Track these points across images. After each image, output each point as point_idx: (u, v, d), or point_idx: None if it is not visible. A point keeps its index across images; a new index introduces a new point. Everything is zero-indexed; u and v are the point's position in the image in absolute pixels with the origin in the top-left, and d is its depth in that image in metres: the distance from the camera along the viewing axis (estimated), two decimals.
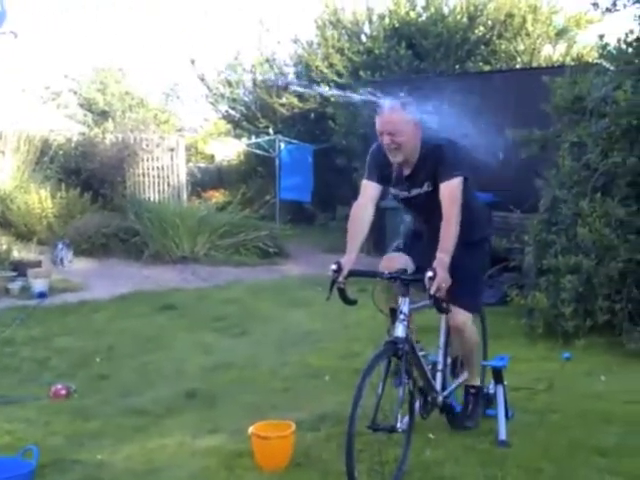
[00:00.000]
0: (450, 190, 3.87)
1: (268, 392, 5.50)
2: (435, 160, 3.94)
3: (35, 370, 6.26)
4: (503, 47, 15.02)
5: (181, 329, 7.64)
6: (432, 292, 3.57)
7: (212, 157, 20.92)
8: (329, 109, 14.70)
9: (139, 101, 23.74)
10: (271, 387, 5.66)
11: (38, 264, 9.99)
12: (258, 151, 16.23)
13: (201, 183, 17.72)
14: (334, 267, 3.77)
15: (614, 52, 7.36)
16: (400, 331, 3.76)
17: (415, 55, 14.64)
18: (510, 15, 15.10)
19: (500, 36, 15.15)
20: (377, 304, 3.94)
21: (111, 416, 5.05)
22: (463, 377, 4.53)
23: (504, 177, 9.13)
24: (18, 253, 10.55)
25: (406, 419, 3.85)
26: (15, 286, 9.23)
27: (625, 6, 7.38)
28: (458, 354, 4.53)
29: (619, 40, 7.30)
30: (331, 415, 4.71)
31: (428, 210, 4.01)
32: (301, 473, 4.00)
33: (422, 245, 4.13)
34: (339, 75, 15.10)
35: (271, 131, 16.08)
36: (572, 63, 11.03)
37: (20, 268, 9.66)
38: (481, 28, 15.15)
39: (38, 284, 9.16)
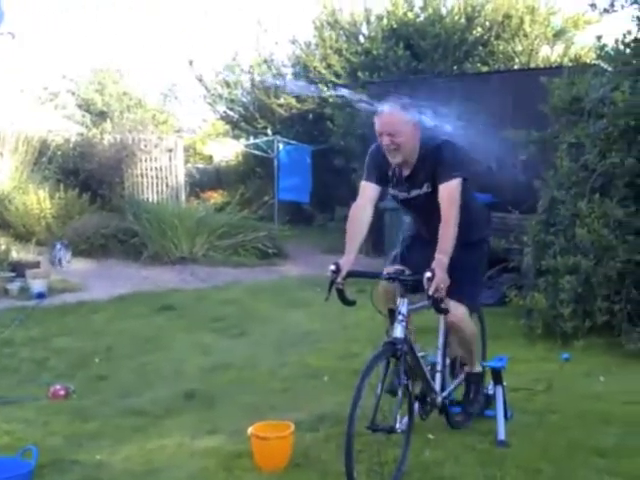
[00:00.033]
0: (449, 191, 3.87)
1: (267, 393, 5.50)
2: (434, 161, 3.94)
3: (34, 371, 6.26)
4: (501, 48, 15.02)
5: (180, 330, 7.64)
6: (430, 293, 3.58)
7: (210, 158, 20.93)
8: (327, 110, 14.70)
9: (137, 102, 23.75)
10: (270, 388, 5.66)
11: (37, 265, 9.99)
12: (256, 152, 16.23)
13: (199, 184, 17.72)
14: (333, 268, 3.77)
15: (612, 53, 7.36)
16: (399, 332, 3.76)
17: (413, 56, 14.64)
18: (508, 16, 15.11)
19: (498, 37, 15.16)
20: (376, 305, 3.95)
21: (110, 416, 5.05)
22: (462, 378, 4.54)
23: (502, 178, 9.13)
24: (17, 254, 10.53)
25: (405, 419, 3.85)
26: (14, 287, 9.23)
27: (623, 7, 7.39)
28: (457, 355, 4.54)
29: (617, 41, 7.31)
30: (330, 416, 4.72)
31: (427, 211, 4.01)
32: (300, 473, 4.00)
33: (420, 254, 4.09)
34: (337, 76, 15.10)
35: (269, 132, 16.08)
36: (570, 64, 11.05)
37: (19, 269, 9.66)
38: (479, 29, 15.17)
39: (37, 285, 9.15)
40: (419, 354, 4.06)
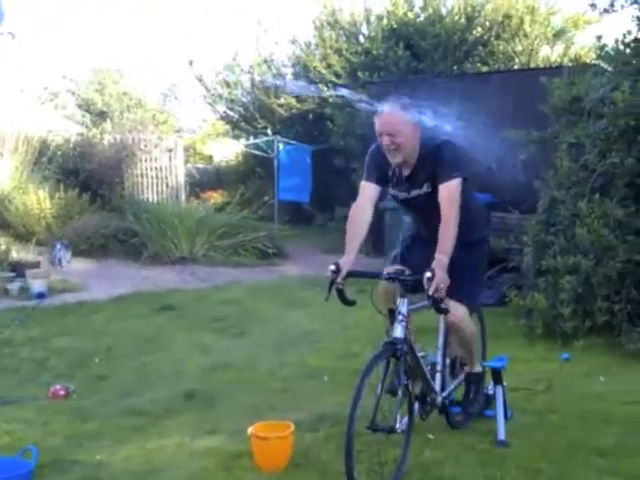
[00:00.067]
0: (449, 191, 3.87)
1: (267, 393, 5.50)
2: (434, 161, 3.94)
3: (34, 370, 6.25)
4: (501, 48, 15.02)
5: (180, 330, 7.64)
6: (430, 293, 3.58)
7: (210, 158, 20.93)
8: (327, 110, 14.70)
9: (137, 102, 23.76)
10: (270, 388, 5.66)
11: (37, 265, 9.99)
12: (256, 152, 16.23)
13: (199, 184, 17.72)
14: (333, 268, 3.78)
15: (612, 53, 7.37)
16: (399, 332, 3.76)
17: (413, 56, 14.64)
18: (508, 16, 15.11)
19: (498, 37, 15.16)
20: (376, 305, 3.95)
21: (110, 416, 5.05)
22: (462, 378, 4.54)
23: (502, 178, 9.13)
24: (17, 254, 10.54)
25: (405, 419, 3.85)
26: (14, 287, 9.23)
27: (623, 7, 7.40)
28: (457, 355, 4.54)
29: (617, 41, 7.31)
30: (330, 415, 4.72)
31: (428, 211, 4.01)
32: (300, 473, 4.00)
33: (420, 254, 4.09)
34: (337, 76, 15.10)
35: (269, 132, 16.08)
36: (570, 64, 11.05)
37: (19, 269, 9.66)
38: (479, 29, 15.17)
39: (37, 285, 9.15)
40: (419, 354, 4.06)
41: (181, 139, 16.41)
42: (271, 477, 3.97)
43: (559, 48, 15.56)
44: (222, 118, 18.59)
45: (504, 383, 4.54)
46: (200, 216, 12.03)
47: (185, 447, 4.45)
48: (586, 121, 7.17)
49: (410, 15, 15.04)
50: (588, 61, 9.99)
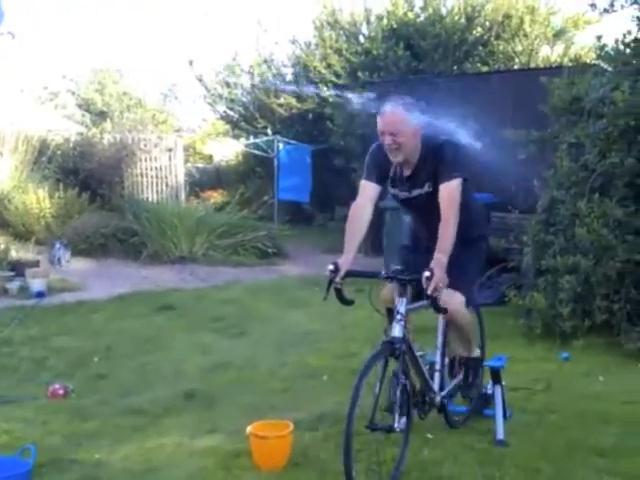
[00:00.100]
0: (449, 191, 3.87)
1: (266, 392, 5.50)
2: (436, 160, 3.94)
3: (33, 370, 6.25)
4: (501, 48, 15.03)
5: (179, 329, 7.64)
6: (429, 292, 3.57)
7: (210, 157, 20.93)
8: (327, 110, 14.71)
9: (137, 101, 23.77)
10: (269, 387, 5.65)
11: (36, 264, 9.99)
12: (256, 151, 16.24)
13: (199, 183, 17.73)
14: (331, 267, 3.77)
15: (612, 53, 7.36)
16: (397, 331, 3.76)
17: (413, 56, 14.65)
18: (508, 16, 15.12)
19: (498, 37, 15.17)
20: (374, 304, 3.94)
21: (109, 416, 5.05)
22: (460, 378, 4.54)
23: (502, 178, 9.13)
24: (16, 253, 10.54)
25: (404, 419, 3.85)
26: (13, 286, 9.23)
27: (623, 7, 7.39)
28: (456, 354, 4.53)
29: (617, 41, 7.31)
30: (329, 415, 4.71)
31: (428, 211, 4.00)
32: (299, 473, 4.00)
33: (420, 254, 4.11)
34: (337, 76, 15.11)
35: (269, 131, 16.09)
36: (570, 64, 11.05)
37: (18, 268, 9.66)
38: (479, 29, 15.18)
39: (36, 284, 9.15)
40: (417, 353, 4.06)
41: (181, 139, 16.42)
42: (270, 476, 3.97)
43: (559, 48, 15.57)
44: (222, 118, 18.60)
45: (503, 383, 4.54)
46: (200, 215, 12.04)
47: (184, 446, 4.45)
48: (586, 121, 7.17)
49: (410, 15, 15.05)
50: (588, 61, 9.99)
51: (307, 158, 15.22)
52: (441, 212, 3.85)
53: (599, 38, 7.50)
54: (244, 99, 17.24)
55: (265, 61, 16.91)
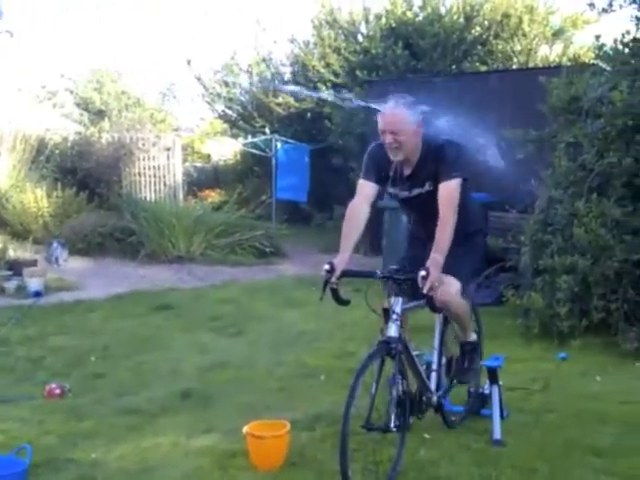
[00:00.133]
0: (449, 191, 3.87)
1: (263, 392, 5.49)
2: (436, 160, 3.94)
3: (30, 369, 6.23)
4: (500, 47, 15.03)
5: (177, 329, 7.62)
6: (425, 291, 3.57)
7: (208, 157, 20.93)
8: (326, 109, 14.70)
9: (135, 100, 23.74)
10: (267, 387, 5.65)
11: (34, 263, 9.98)
12: (254, 151, 16.24)
13: (197, 183, 17.72)
14: (327, 267, 3.76)
15: (610, 53, 7.36)
16: (393, 331, 3.76)
17: (412, 55, 14.65)
18: (506, 15, 15.11)
19: (497, 36, 15.16)
20: (370, 304, 3.93)
21: (105, 415, 5.03)
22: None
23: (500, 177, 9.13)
24: (14, 252, 10.53)
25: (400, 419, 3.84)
26: (10, 285, 9.22)
27: (621, 7, 7.39)
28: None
29: (615, 41, 7.30)
30: (326, 415, 4.71)
31: (428, 210, 3.97)
32: (296, 473, 4.00)
33: (418, 253, 4.09)
34: (336, 75, 15.10)
35: (267, 131, 16.09)
36: (568, 63, 11.06)
37: (16, 267, 9.65)
38: (478, 28, 15.17)
39: (33, 283, 9.13)
40: (414, 353, 4.05)
41: (179, 138, 16.42)
42: (266, 476, 3.96)
43: (558, 48, 15.57)
44: (220, 117, 18.60)
45: (500, 382, 4.55)
46: (198, 215, 12.02)
47: (180, 446, 4.44)
48: (584, 121, 7.16)
49: (409, 14, 15.04)
50: (587, 61, 9.99)
51: (305, 157, 15.22)
52: (439, 212, 3.84)
53: (598, 38, 7.50)
54: (242, 98, 17.23)
55: (264, 60, 16.90)
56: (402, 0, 15.22)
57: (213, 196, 16.24)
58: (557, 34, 15.61)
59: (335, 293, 3.82)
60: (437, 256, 3.67)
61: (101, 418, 4.98)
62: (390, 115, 3.91)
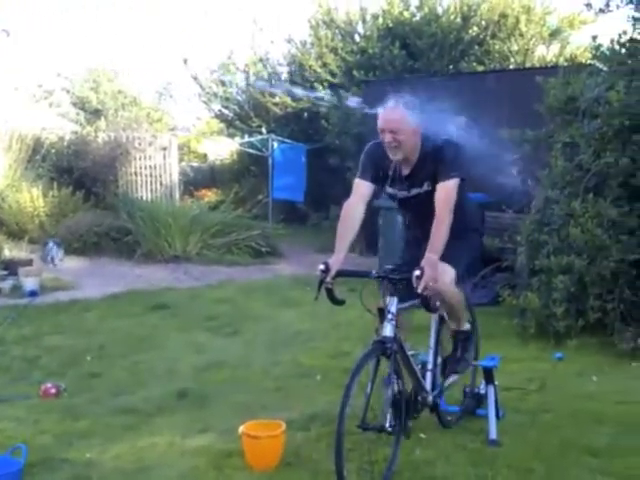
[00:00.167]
0: (446, 191, 3.87)
1: (259, 392, 5.49)
2: (435, 160, 3.94)
3: (25, 369, 6.22)
4: (497, 47, 15.04)
5: (173, 328, 7.61)
6: (420, 291, 3.56)
7: (205, 156, 20.92)
8: (322, 109, 14.69)
9: (132, 100, 23.76)
10: (263, 387, 5.64)
11: (29, 263, 9.95)
12: (251, 150, 16.23)
13: (194, 182, 17.72)
14: (322, 267, 3.76)
15: (607, 53, 7.36)
16: (388, 330, 3.75)
17: (409, 55, 14.66)
18: (504, 15, 15.12)
19: (494, 36, 15.17)
20: (365, 304, 3.92)
21: (101, 415, 5.03)
22: (453, 377, 4.53)
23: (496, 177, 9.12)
24: (9, 252, 10.51)
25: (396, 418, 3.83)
26: (6, 285, 9.21)
27: (618, 7, 7.39)
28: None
29: (612, 41, 7.31)
30: (321, 415, 4.70)
31: (426, 210, 3.95)
32: (291, 472, 3.99)
33: (414, 253, 4.08)
34: (333, 75, 15.10)
35: (264, 130, 16.08)
36: (565, 64, 11.04)
37: (11, 267, 9.63)
38: (475, 28, 15.18)
39: (29, 283, 9.12)
40: (409, 353, 4.04)
41: (175, 137, 16.41)
42: (262, 476, 3.95)
43: (555, 48, 15.58)
44: (217, 116, 18.59)
45: (496, 382, 4.54)
46: (194, 214, 12.01)
47: (176, 446, 4.43)
48: (581, 121, 7.17)
49: (406, 14, 15.05)
50: (584, 61, 9.98)
51: (302, 157, 15.22)
52: (436, 211, 3.84)
53: (594, 38, 7.51)
54: (239, 98, 17.23)
55: (260, 60, 16.90)
56: (399, 0, 15.22)
57: (209, 196, 16.24)
58: (554, 34, 15.63)
59: (330, 293, 3.81)
60: (432, 256, 3.67)
61: (97, 418, 4.97)
62: (390, 114, 3.91)
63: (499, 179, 8.53)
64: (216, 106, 17.77)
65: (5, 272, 9.54)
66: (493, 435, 4.32)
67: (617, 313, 6.48)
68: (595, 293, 6.53)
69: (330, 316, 7.25)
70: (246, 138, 16.85)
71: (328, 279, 3.75)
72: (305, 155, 15.22)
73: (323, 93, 14.40)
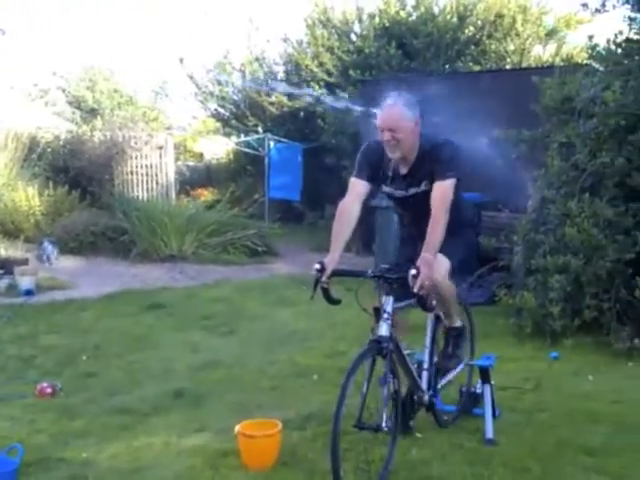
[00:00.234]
0: (442, 191, 3.87)
1: (255, 391, 5.48)
2: (432, 159, 3.94)
3: (21, 368, 6.20)
4: (493, 47, 15.06)
5: (169, 328, 7.60)
6: (415, 290, 3.56)
7: (201, 155, 20.91)
8: (319, 108, 14.69)
9: (128, 99, 23.71)
10: (258, 386, 5.63)
11: (25, 262, 9.93)
12: (247, 150, 16.22)
13: (190, 181, 17.70)
14: (317, 267, 3.75)
15: (603, 53, 7.38)
16: (384, 330, 3.74)
17: (405, 54, 14.66)
18: (500, 15, 15.14)
19: (490, 36, 15.20)
20: (361, 303, 3.92)
21: (97, 414, 5.02)
22: (450, 377, 4.53)
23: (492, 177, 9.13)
24: (5, 251, 10.48)
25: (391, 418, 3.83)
26: (2, 284, 9.19)
27: (614, 7, 7.40)
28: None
29: (608, 41, 7.32)
30: (317, 414, 4.70)
31: (422, 210, 3.95)
32: (287, 472, 3.98)
33: (411, 253, 4.08)
34: (329, 74, 15.10)
35: (260, 130, 16.07)
36: (562, 64, 11.08)
37: (7, 266, 9.60)
38: (471, 28, 15.21)
39: (25, 282, 9.10)
40: (405, 352, 4.04)
41: (171, 136, 16.37)
42: (258, 476, 3.95)
43: (551, 48, 15.61)
44: (213, 115, 18.59)
45: (492, 382, 4.54)
46: (190, 214, 12.00)
47: (172, 445, 4.43)
48: (577, 121, 7.18)
49: (402, 14, 15.06)
50: (580, 61, 10.00)
51: (298, 156, 15.21)
52: (432, 210, 3.84)
53: (591, 38, 7.51)
54: (235, 97, 17.22)
55: (257, 59, 16.90)
56: (395, 0, 15.23)
57: (205, 195, 16.22)
58: (550, 34, 15.66)
59: (326, 292, 3.80)
60: (428, 255, 3.66)
61: (93, 417, 4.96)
62: (389, 112, 3.91)
63: (496, 178, 8.57)
64: (212, 105, 17.78)
65: (1, 271, 9.51)
66: (489, 434, 4.32)
67: (613, 313, 6.49)
68: (591, 293, 6.54)
69: (326, 315, 7.25)
70: (242, 137, 16.84)
71: (324, 278, 3.74)
72: (301, 154, 15.22)
73: (319, 92, 14.40)
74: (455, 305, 4.38)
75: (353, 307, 3.84)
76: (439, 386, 4.45)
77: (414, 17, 15.24)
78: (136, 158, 14.62)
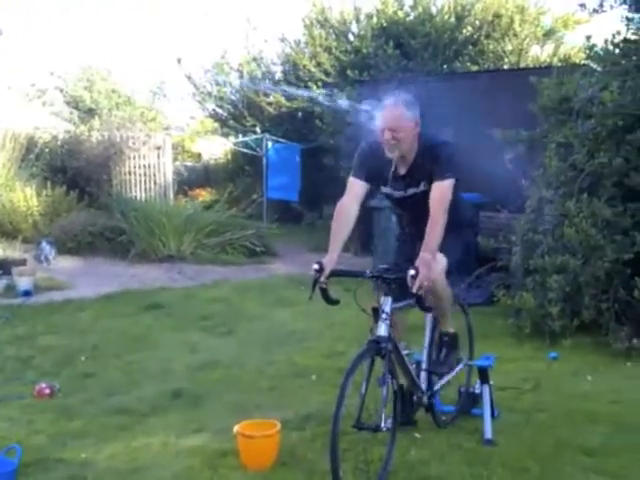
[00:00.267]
0: (441, 191, 3.88)
1: (254, 391, 5.48)
2: (431, 159, 3.94)
3: (19, 369, 6.19)
4: (491, 47, 15.07)
5: (167, 328, 7.60)
6: (414, 290, 3.56)
7: (199, 155, 20.91)
8: (317, 108, 14.69)
9: (126, 99, 23.72)
10: (257, 386, 5.63)
11: (23, 262, 9.91)
12: (245, 150, 16.22)
13: (188, 182, 17.70)
14: (316, 267, 3.75)
15: (601, 53, 7.38)
16: (383, 330, 3.74)
17: (403, 54, 14.66)
18: (498, 15, 15.15)
19: (488, 36, 15.20)
20: (359, 304, 3.92)
21: (95, 415, 5.01)
22: (448, 377, 4.53)
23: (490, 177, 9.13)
24: (3, 251, 10.48)
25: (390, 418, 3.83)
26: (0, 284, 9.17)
27: (612, 7, 7.41)
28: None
29: (606, 41, 7.32)
30: (316, 414, 4.70)
31: (421, 211, 3.95)
32: (286, 472, 3.98)
33: (409, 253, 4.08)
34: (327, 74, 15.10)
35: (258, 130, 16.07)
36: (559, 64, 11.06)
37: (5, 266, 9.57)
38: (469, 28, 15.21)
39: (23, 282, 9.08)
40: (404, 352, 4.04)
41: (169, 136, 16.38)
42: (257, 476, 3.95)
43: (549, 48, 15.62)
44: (211, 116, 18.58)
45: (491, 382, 4.55)
46: (188, 214, 11.99)
47: (170, 446, 4.42)
48: (575, 121, 7.18)
49: (400, 14, 15.06)
50: (577, 61, 10.00)
51: (296, 157, 15.21)
52: (430, 211, 3.84)
53: (588, 38, 7.52)
54: (233, 97, 17.21)
55: (254, 59, 16.89)
56: (393, 0, 15.23)
57: (204, 195, 16.23)
58: (548, 34, 15.67)
59: (324, 293, 3.81)
60: (426, 255, 3.67)
61: (91, 418, 4.96)
62: (390, 111, 3.92)
63: (493, 179, 8.57)
64: (210, 105, 17.76)
65: None
66: (488, 434, 4.32)
67: (612, 313, 6.50)
68: (590, 293, 6.55)
69: (325, 316, 7.24)
70: (240, 137, 16.84)
71: (322, 279, 3.75)
72: (299, 155, 15.21)
73: (318, 92, 14.39)
74: (450, 307, 4.38)
75: (352, 307, 3.84)
76: (436, 387, 4.45)
77: (412, 17, 15.24)
78: (134, 158, 14.62)
